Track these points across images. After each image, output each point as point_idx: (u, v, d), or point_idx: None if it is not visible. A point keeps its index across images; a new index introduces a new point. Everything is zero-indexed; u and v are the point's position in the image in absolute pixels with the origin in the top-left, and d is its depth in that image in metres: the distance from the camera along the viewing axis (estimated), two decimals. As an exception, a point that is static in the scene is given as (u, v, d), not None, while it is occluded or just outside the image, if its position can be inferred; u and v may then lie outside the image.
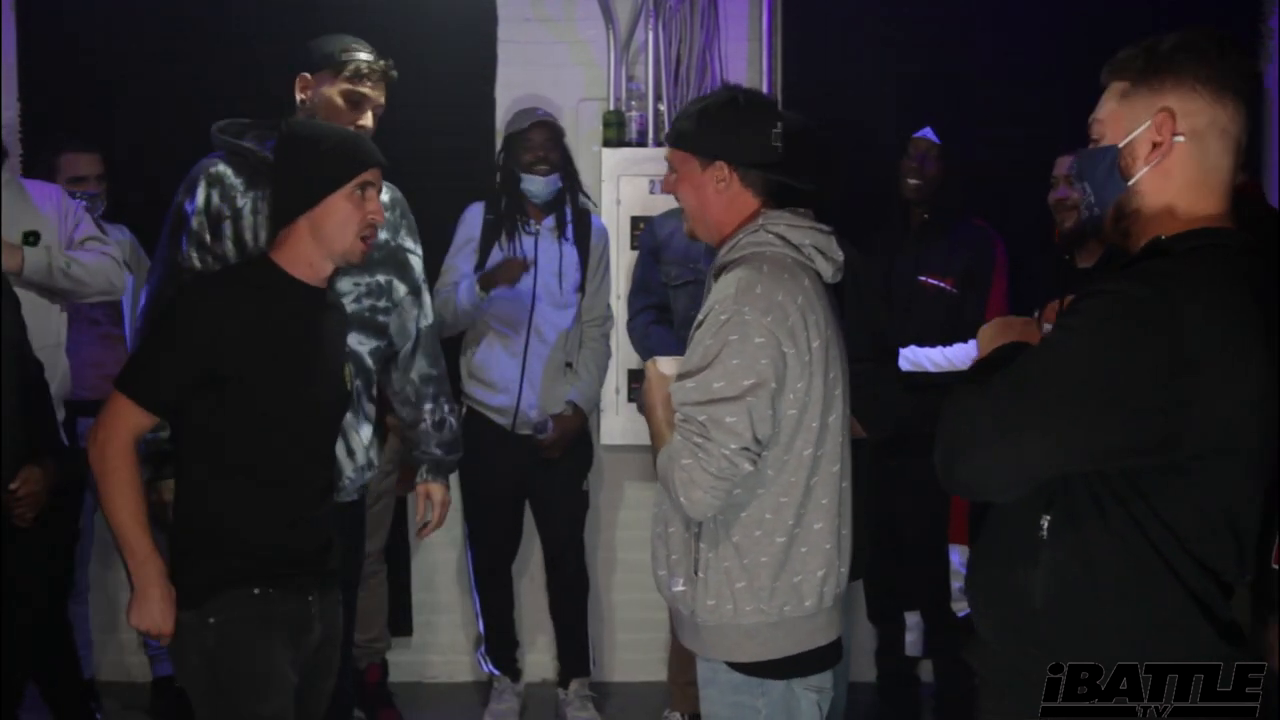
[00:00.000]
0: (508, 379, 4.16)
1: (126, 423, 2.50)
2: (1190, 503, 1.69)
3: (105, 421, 2.51)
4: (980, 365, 1.91)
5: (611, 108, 4.50)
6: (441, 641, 4.70)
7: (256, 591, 2.53)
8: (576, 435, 4.25)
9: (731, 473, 2.28)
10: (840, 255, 2.49)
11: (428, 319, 3.30)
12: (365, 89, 3.06)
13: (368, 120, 3.06)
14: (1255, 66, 1.86)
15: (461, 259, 4.18)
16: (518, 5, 4.56)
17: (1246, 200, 2.78)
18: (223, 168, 2.99)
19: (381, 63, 3.10)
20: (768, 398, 2.29)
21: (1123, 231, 1.83)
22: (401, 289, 3.20)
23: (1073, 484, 1.74)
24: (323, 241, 2.57)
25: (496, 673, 4.37)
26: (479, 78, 4.54)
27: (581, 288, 4.22)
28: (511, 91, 4.55)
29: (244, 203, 2.97)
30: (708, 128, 2.45)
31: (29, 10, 4.46)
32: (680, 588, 2.42)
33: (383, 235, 3.10)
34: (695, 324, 2.39)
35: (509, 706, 4.34)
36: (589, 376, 4.25)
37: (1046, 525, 1.77)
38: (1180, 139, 1.77)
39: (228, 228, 2.96)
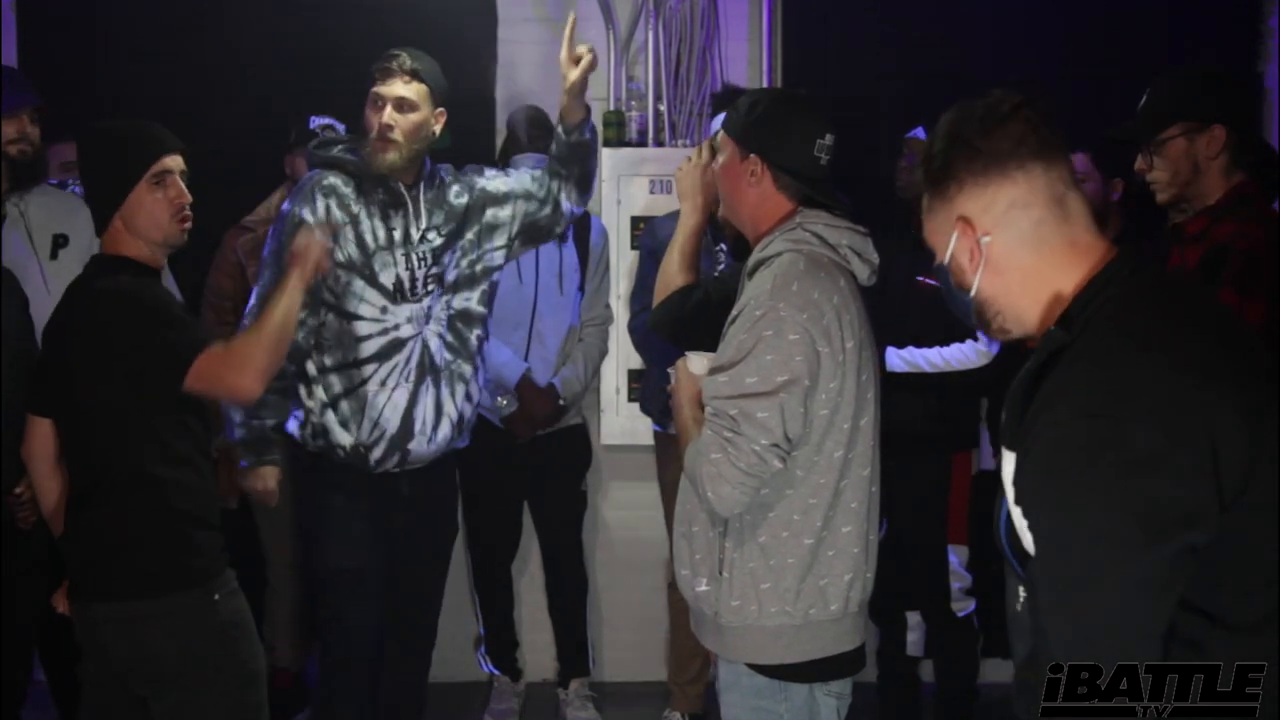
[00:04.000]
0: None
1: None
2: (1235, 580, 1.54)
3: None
4: None
5: (611, 108, 4.50)
6: (441, 641, 4.68)
7: (232, 570, 2.74)
8: (546, 417, 4.15)
9: (761, 469, 2.25)
10: (876, 258, 2.48)
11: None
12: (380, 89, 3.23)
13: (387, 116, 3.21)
14: (1033, 120, 1.64)
15: None
16: (518, 5, 4.56)
17: (1245, 199, 2.77)
18: (334, 179, 3.24)
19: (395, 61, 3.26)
20: (800, 395, 2.27)
21: (1001, 329, 1.72)
22: (502, 213, 3.45)
23: None
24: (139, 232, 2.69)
25: (496, 673, 4.38)
26: (479, 78, 4.54)
27: (581, 288, 4.21)
28: (511, 91, 4.55)
29: (359, 208, 3.24)
30: (754, 120, 2.44)
31: (29, 11, 4.46)
32: (704, 588, 2.39)
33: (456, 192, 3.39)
34: (729, 320, 2.38)
35: (509, 706, 4.34)
36: (577, 365, 4.19)
37: None
38: (988, 239, 1.65)
39: (349, 233, 3.22)
